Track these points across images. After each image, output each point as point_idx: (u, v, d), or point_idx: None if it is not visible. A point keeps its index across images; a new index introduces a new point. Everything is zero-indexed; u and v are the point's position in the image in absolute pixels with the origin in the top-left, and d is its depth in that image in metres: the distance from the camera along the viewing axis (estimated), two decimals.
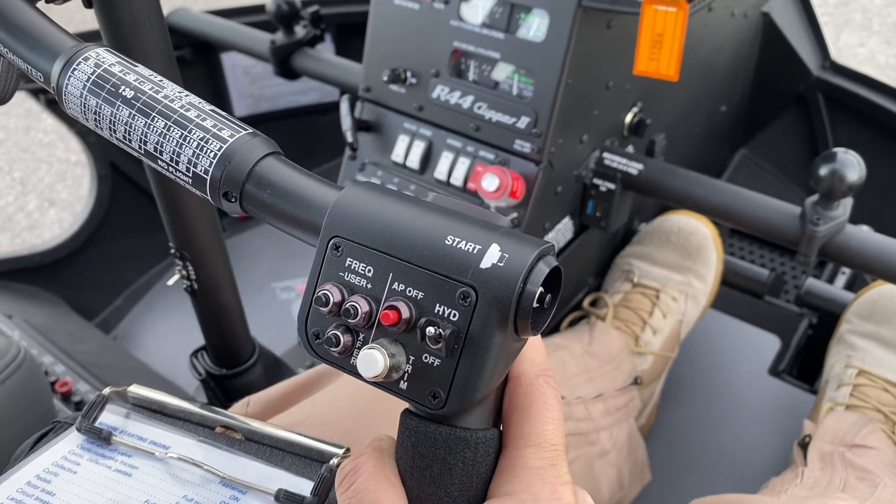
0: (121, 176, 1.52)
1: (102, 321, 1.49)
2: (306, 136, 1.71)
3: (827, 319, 1.17)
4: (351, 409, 0.60)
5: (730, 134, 1.47)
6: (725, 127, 1.43)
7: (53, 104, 1.38)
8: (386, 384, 0.33)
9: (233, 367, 0.97)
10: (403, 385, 0.33)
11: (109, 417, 0.56)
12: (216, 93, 1.62)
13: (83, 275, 1.49)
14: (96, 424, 0.54)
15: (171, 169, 0.39)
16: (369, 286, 0.34)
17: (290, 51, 1.31)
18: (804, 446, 0.93)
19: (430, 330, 0.31)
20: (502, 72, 0.97)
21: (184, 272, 0.86)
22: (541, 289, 0.31)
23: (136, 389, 0.57)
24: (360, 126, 1.07)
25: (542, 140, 0.94)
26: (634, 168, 1.00)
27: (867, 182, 0.87)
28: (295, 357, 1.26)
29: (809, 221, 0.88)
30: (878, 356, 1.00)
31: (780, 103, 1.46)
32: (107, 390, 0.57)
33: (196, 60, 1.56)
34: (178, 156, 0.38)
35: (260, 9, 1.54)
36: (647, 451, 1.08)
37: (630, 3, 0.84)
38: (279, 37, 1.31)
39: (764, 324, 1.29)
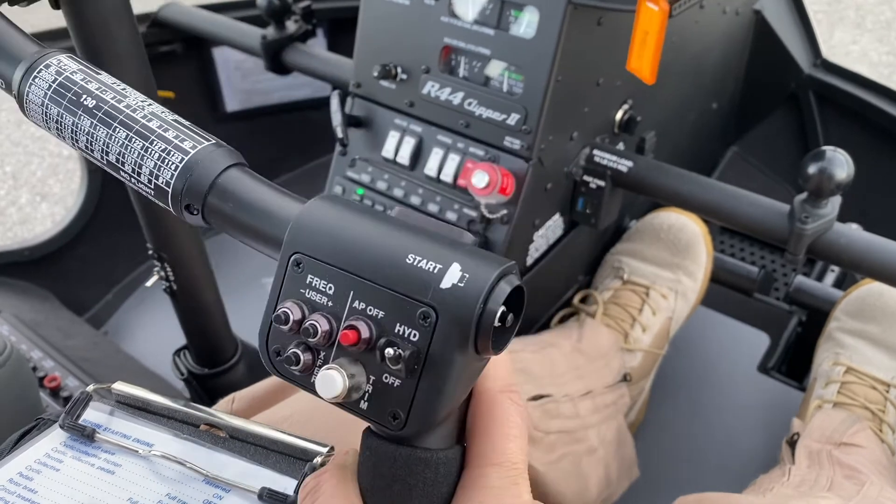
0: None
1: (93, 316, 1.48)
2: (298, 131, 1.71)
3: (816, 317, 1.17)
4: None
5: (721, 131, 1.47)
6: (716, 124, 1.43)
7: None
8: (346, 404, 0.33)
9: (215, 367, 0.97)
10: (364, 405, 0.33)
11: (93, 415, 0.55)
12: (207, 88, 1.61)
13: (74, 270, 1.48)
14: (80, 422, 0.54)
15: (133, 180, 0.38)
16: (330, 304, 0.33)
17: (282, 46, 1.30)
18: (792, 444, 0.94)
19: (390, 351, 0.31)
20: (494, 69, 0.96)
21: (162, 273, 0.86)
22: (502, 308, 0.31)
23: (121, 386, 0.57)
24: (351, 122, 1.06)
25: (531, 137, 0.93)
26: (624, 165, 1.00)
27: (857, 180, 0.87)
28: None
29: (798, 219, 0.88)
30: (866, 354, 1.01)
31: (771, 101, 1.46)
32: (90, 387, 0.56)
33: (187, 55, 1.55)
34: (140, 167, 0.37)
35: (251, 3, 1.53)
36: (636, 448, 1.08)
37: (620, 0, 0.84)
38: (270, 32, 1.30)
39: (753, 321, 1.30)
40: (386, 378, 0.32)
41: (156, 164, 0.37)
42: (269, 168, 1.71)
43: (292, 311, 0.33)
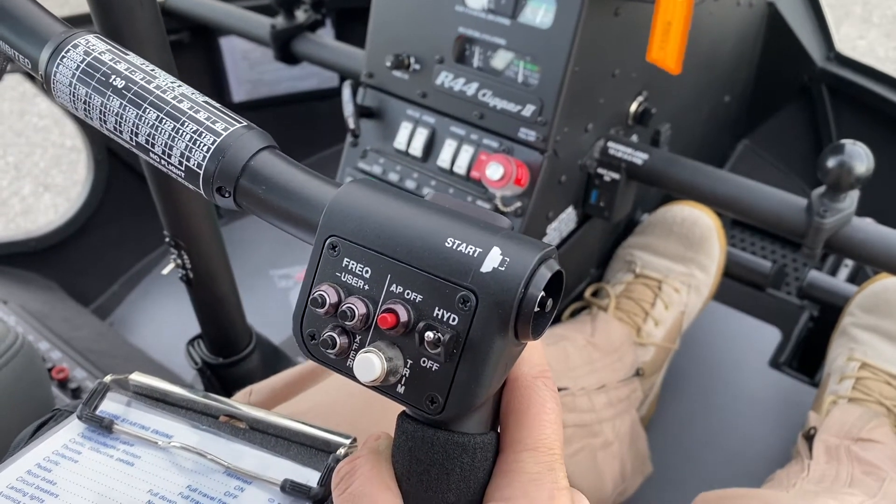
0: (117, 161, 1.50)
1: (99, 307, 1.48)
2: (305, 122, 1.70)
3: (828, 312, 1.16)
4: (357, 397, 0.59)
5: (733, 124, 1.46)
6: (729, 117, 1.42)
7: None
8: (383, 388, 0.33)
9: (229, 356, 0.96)
10: (401, 389, 0.32)
11: (111, 405, 0.55)
12: (214, 77, 1.60)
13: (79, 260, 1.48)
14: (97, 413, 0.53)
15: (163, 162, 0.37)
16: (367, 287, 0.33)
17: (291, 35, 1.29)
18: (809, 438, 0.93)
19: (429, 335, 0.31)
20: (501, 60, 0.95)
21: (178, 261, 0.85)
22: (542, 293, 0.31)
23: (138, 377, 0.56)
24: (363, 112, 1.05)
25: (547, 128, 0.92)
26: (639, 158, 0.99)
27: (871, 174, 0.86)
28: (293, 346, 1.25)
29: (816, 213, 0.87)
30: (881, 349, 1.00)
31: (783, 94, 1.45)
32: (108, 378, 0.55)
33: (194, 44, 1.54)
34: (171, 149, 0.37)
35: None
36: (648, 443, 1.08)
37: None
38: (280, 21, 1.29)
39: (765, 316, 1.29)
40: (424, 362, 0.32)
41: (187, 145, 0.36)
42: None
43: (328, 294, 0.33)
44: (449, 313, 0.31)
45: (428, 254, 0.32)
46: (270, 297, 1.43)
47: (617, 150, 1.01)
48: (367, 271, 0.33)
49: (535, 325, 0.31)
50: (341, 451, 0.50)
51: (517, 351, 0.33)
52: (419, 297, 0.32)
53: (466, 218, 0.33)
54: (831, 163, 0.85)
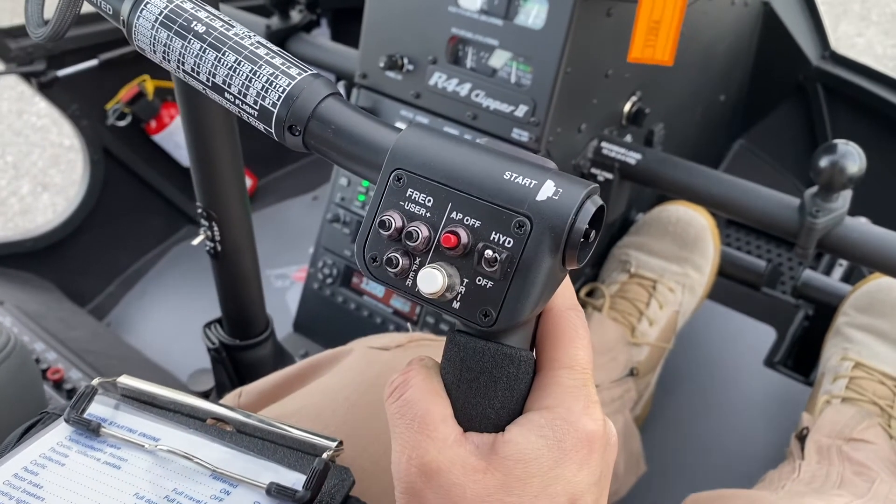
0: (114, 161, 1.50)
1: (95, 308, 1.48)
2: None
3: (823, 311, 1.16)
4: (344, 400, 0.59)
5: (728, 124, 1.46)
6: (724, 116, 1.42)
7: (46, 87, 1.36)
8: (440, 303, 0.36)
9: (245, 339, 0.97)
10: (456, 304, 0.36)
11: (98, 408, 0.55)
12: None
13: (76, 261, 1.48)
14: (85, 416, 0.53)
15: (237, 101, 0.41)
16: (428, 215, 0.36)
17: (286, 36, 1.29)
18: (802, 439, 0.93)
19: (488, 253, 0.34)
20: (498, 59, 0.95)
21: (209, 233, 0.86)
22: (587, 226, 0.35)
23: (126, 380, 0.56)
24: None
25: (540, 129, 0.92)
26: (633, 158, 0.99)
27: (866, 173, 0.86)
28: (293, 345, 1.26)
29: (808, 213, 0.87)
30: (875, 349, 1.00)
31: (778, 93, 1.45)
32: (96, 381, 0.56)
33: None
34: (247, 89, 0.40)
35: None
36: (642, 442, 1.08)
37: None
38: (274, 21, 1.29)
39: (760, 315, 1.29)
40: (479, 280, 0.35)
41: (263, 86, 0.40)
42: (272, 158, 1.70)
43: (394, 218, 0.36)
44: (505, 237, 0.35)
45: (487, 184, 0.35)
46: (267, 297, 1.43)
47: (610, 150, 1.01)
48: (429, 200, 0.36)
49: (580, 252, 0.35)
50: (327, 454, 0.50)
51: (561, 277, 0.37)
52: (477, 223, 0.35)
53: (519, 158, 0.37)
54: (823, 163, 0.85)
